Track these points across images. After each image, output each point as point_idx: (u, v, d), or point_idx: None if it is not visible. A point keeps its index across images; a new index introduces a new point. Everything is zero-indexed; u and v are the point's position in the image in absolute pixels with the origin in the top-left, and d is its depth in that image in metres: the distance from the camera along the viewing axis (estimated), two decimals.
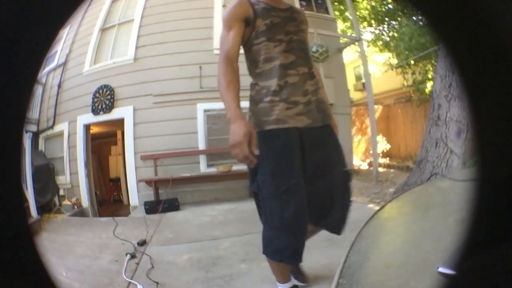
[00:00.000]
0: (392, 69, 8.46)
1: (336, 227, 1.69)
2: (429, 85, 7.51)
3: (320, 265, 2.54)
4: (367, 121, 6.60)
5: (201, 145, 6.13)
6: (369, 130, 6.61)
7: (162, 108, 6.03)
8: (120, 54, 6.42)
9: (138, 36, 6.30)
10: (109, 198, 8.44)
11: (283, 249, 1.54)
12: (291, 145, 1.54)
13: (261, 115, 1.59)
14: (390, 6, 8.93)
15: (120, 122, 6.20)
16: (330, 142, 1.67)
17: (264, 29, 1.59)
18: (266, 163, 1.53)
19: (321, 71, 6.91)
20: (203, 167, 6.10)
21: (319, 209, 1.65)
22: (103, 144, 8.33)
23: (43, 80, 6.60)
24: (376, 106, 8.89)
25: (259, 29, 1.60)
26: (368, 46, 9.38)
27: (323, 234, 3.16)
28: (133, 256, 3.10)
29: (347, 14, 9.62)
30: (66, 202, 6.15)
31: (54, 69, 6.64)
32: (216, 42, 6.28)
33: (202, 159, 6.14)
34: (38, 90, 6.34)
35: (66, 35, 6.50)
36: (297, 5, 7.54)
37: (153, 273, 2.71)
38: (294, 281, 1.78)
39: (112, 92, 6.16)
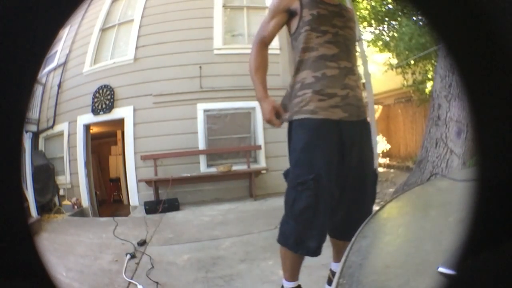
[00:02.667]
0: (392, 69, 8.45)
1: (352, 232, 1.65)
2: (429, 85, 7.49)
3: (320, 265, 2.54)
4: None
5: (201, 145, 6.13)
6: None
7: (162, 108, 6.03)
8: (120, 54, 6.42)
9: (138, 36, 6.31)
10: (109, 198, 8.44)
11: (289, 236, 1.59)
12: (318, 137, 1.53)
13: (294, 107, 1.61)
14: (390, 6, 8.92)
15: (120, 122, 6.20)
16: (365, 138, 1.68)
17: (310, 18, 1.61)
18: (291, 153, 1.60)
19: None
20: (203, 167, 6.10)
21: (355, 207, 1.65)
22: (103, 144, 8.33)
23: (43, 80, 6.60)
24: (376, 106, 8.88)
25: (305, 18, 1.62)
26: (368, 46, 9.36)
27: None
28: (133, 256, 3.10)
29: None
30: (66, 202, 6.15)
31: (54, 69, 6.64)
32: (216, 42, 6.28)
33: (202, 159, 6.14)
34: (38, 90, 6.33)
35: (66, 35, 6.50)
36: None
37: (153, 273, 2.72)
38: (299, 282, 1.78)
39: (112, 92, 6.16)
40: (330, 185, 1.53)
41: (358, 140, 1.62)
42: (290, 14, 1.65)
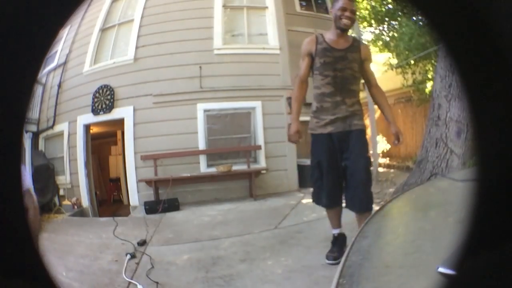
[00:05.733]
0: (392, 69, 8.44)
1: (360, 206, 2.41)
2: (429, 85, 7.49)
3: (320, 265, 2.54)
4: (367, 121, 6.60)
5: (201, 145, 6.13)
6: (369, 130, 6.61)
7: (162, 108, 6.03)
8: (120, 54, 6.41)
9: (138, 36, 6.30)
10: (109, 198, 8.43)
11: (313, 196, 2.63)
12: (320, 143, 2.47)
13: (310, 124, 2.54)
14: (390, 6, 8.92)
15: (120, 122, 6.19)
16: (352, 140, 2.41)
17: (319, 65, 2.37)
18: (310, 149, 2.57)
19: None
20: (203, 167, 6.10)
21: (355, 185, 2.40)
22: (103, 144, 8.32)
23: (43, 80, 6.60)
24: (376, 106, 8.87)
25: (316, 64, 2.39)
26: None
27: (322, 234, 3.17)
28: (133, 256, 3.10)
29: None
30: (66, 202, 6.15)
31: (54, 69, 6.63)
32: (216, 42, 6.28)
33: (202, 159, 6.14)
34: (38, 90, 6.33)
35: (66, 35, 6.50)
36: (297, 5, 7.55)
37: (153, 273, 2.72)
38: (341, 229, 2.60)
39: (112, 92, 6.16)
40: (329, 167, 2.43)
41: (346, 140, 2.41)
42: (311, 57, 2.38)
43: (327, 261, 2.50)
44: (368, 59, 2.49)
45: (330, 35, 2.37)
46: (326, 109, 2.39)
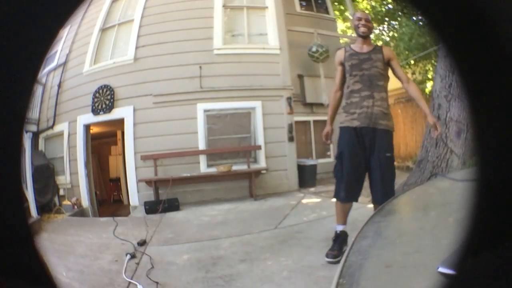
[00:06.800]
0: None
1: (382, 199, 2.34)
2: (429, 85, 7.50)
3: (320, 265, 2.54)
4: None
5: (201, 145, 6.13)
6: None
7: (162, 108, 6.02)
8: (120, 54, 6.41)
9: (138, 36, 6.30)
10: (109, 198, 8.43)
11: (334, 191, 2.72)
12: (345, 135, 2.65)
13: (340, 118, 2.74)
14: (390, 6, 8.93)
15: (120, 122, 6.19)
16: (378, 138, 2.60)
17: (348, 68, 2.69)
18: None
19: (321, 71, 6.90)
20: (203, 167, 6.10)
21: (373, 182, 2.64)
22: (103, 144, 8.32)
23: (43, 80, 6.59)
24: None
25: (346, 68, 2.70)
26: None
27: (322, 234, 3.17)
28: (133, 256, 3.10)
29: (347, 14, 9.64)
30: (66, 202, 6.14)
31: (54, 69, 6.63)
32: (216, 42, 6.29)
33: (202, 159, 6.14)
34: (38, 90, 6.32)
35: (66, 35, 6.50)
36: (297, 5, 7.54)
37: (153, 273, 2.72)
38: (346, 227, 2.67)
39: (112, 92, 6.16)
40: (349, 159, 2.59)
41: (372, 137, 2.58)
42: (343, 65, 2.73)
43: (327, 259, 2.51)
44: (392, 58, 2.73)
45: (355, 44, 2.76)
46: (355, 103, 2.62)
